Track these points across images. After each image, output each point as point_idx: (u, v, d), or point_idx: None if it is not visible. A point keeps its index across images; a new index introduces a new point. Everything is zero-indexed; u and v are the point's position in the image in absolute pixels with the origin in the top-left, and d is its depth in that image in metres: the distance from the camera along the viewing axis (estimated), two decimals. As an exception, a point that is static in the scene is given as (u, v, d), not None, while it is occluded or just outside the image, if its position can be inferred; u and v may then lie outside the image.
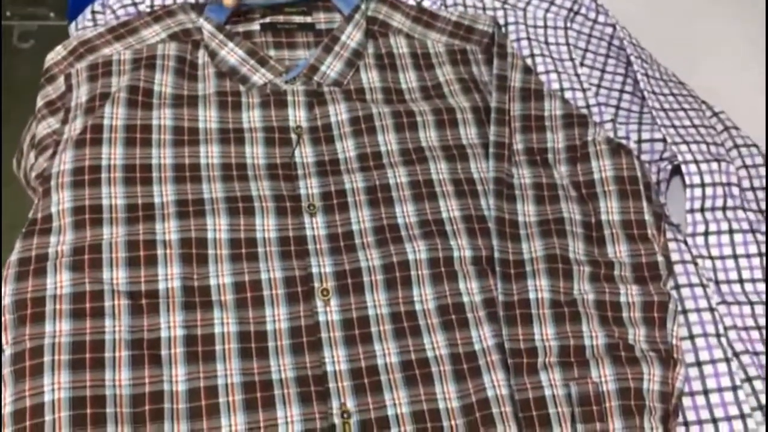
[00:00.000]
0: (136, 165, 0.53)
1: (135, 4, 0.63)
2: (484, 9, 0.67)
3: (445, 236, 0.51)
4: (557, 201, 0.53)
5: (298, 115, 0.56)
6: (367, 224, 0.52)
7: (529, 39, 0.64)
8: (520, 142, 0.56)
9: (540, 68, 0.62)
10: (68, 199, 0.51)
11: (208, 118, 0.55)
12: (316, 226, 0.52)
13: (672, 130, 0.58)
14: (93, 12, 0.63)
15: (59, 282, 0.47)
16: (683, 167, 0.55)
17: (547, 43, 0.65)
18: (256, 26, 0.61)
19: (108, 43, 0.58)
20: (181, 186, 0.52)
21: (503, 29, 0.65)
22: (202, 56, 0.58)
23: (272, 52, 0.60)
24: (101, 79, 0.56)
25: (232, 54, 0.58)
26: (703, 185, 0.55)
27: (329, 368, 0.47)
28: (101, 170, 0.52)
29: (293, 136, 0.55)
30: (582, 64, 0.64)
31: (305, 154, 0.55)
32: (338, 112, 0.56)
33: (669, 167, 0.57)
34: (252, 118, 0.56)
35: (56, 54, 0.59)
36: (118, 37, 0.59)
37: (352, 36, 0.59)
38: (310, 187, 0.53)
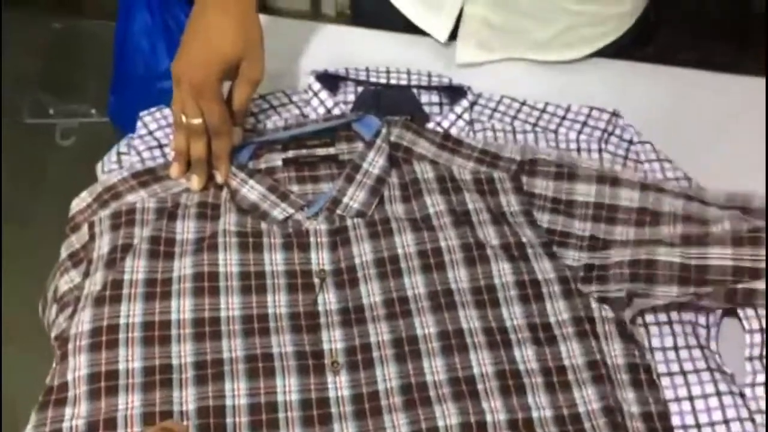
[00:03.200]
0: (155, 322, 0.51)
1: (161, 146, 0.62)
2: (513, 133, 0.65)
3: (476, 397, 0.48)
4: (598, 338, 0.50)
5: (321, 258, 0.54)
6: (394, 383, 0.49)
7: (562, 164, 0.61)
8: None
9: (575, 194, 0.59)
10: (84, 365, 0.49)
11: (229, 261, 0.53)
12: (339, 387, 0.49)
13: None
14: (119, 153, 0.62)
15: (71, 466, 0.45)
16: (740, 311, 0.51)
17: (581, 167, 0.62)
18: (278, 162, 0.60)
19: (132, 189, 0.58)
20: (200, 345, 0.50)
21: (534, 154, 0.63)
22: (224, 194, 0.57)
23: (295, 187, 0.59)
24: (124, 228, 0.55)
25: (253, 191, 0.57)
26: (762, 330, 0.51)
27: None
28: (119, 330, 0.50)
29: (316, 280, 0.53)
30: (619, 189, 0.60)
31: (329, 300, 0.52)
32: (362, 253, 0.54)
33: (719, 310, 0.53)
34: (274, 260, 0.54)
35: (81, 201, 0.58)
36: (143, 183, 0.58)
37: (375, 162, 0.58)
38: (333, 340, 0.51)
